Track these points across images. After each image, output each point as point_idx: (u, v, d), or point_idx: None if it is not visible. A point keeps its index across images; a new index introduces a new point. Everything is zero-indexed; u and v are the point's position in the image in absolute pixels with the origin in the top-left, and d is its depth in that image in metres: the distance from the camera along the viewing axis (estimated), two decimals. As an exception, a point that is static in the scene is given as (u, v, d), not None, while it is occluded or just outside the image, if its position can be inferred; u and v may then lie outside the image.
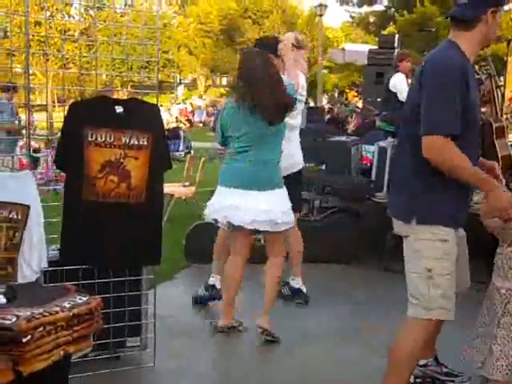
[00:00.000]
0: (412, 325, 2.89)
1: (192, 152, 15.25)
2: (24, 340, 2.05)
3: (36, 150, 10.51)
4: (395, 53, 8.80)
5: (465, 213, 2.92)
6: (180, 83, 43.32)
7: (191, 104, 32.47)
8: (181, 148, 16.47)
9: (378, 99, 8.97)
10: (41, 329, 2.10)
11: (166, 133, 3.79)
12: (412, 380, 3.45)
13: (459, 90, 2.66)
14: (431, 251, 2.78)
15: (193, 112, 31.08)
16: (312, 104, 25.04)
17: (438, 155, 2.66)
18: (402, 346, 2.92)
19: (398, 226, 2.93)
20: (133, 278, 3.57)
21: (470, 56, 2.80)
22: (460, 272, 2.93)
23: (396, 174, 2.99)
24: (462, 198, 2.87)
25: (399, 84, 7.68)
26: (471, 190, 2.94)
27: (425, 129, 2.68)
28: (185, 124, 26.95)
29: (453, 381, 3.47)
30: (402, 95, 7.45)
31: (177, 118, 27.62)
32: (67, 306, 2.27)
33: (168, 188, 7.43)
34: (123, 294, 3.52)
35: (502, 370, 2.82)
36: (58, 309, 2.23)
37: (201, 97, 37.57)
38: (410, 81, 7.61)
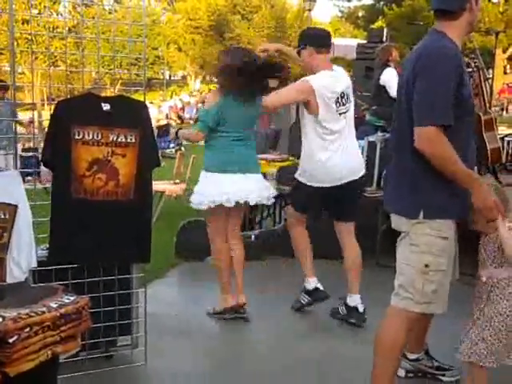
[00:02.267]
0: (396, 315, 2.90)
1: (183, 149, 15.23)
2: (10, 341, 2.03)
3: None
4: (381, 47, 8.75)
5: (467, 202, 2.92)
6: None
7: (181, 100, 32.39)
8: (171, 145, 16.45)
9: (368, 93, 8.94)
10: (27, 329, 2.09)
11: (157, 130, 3.77)
12: (403, 374, 3.47)
13: (454, 81, 2.66)
14: (430, 247, 2.78)
15: (183, 109, 31.02)
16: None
17: (429, 146, 2.64)
18: (386, 337, 2.93)
19: (399, 222, 2.90)
20: (123, 276, 3.56)
21: (459, 44, 2.81)
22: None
23: (396, 169, 2.95)
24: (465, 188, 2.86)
25: (391, 79, 7.65)
26: None
27: (418, 119, 2.67)
28: (175, 121, 26.89)
29: (443, 374, 3.48)
30: (392, 90, 7.44)
31: (167, 114, 27.57)
32: (54, 305, 2.26)
33: (158, 185, 7.43)
34: (113, 292, 3.51)
35: (479, 353, 2.92)
36: (44, 309, 2.21)
37: (191, 93, 37.48)
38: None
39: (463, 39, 2.91)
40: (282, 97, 4.35)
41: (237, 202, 4.28)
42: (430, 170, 2.72)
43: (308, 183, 4.37)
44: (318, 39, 4.37)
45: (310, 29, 4.73)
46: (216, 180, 4.29)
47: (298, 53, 4.43)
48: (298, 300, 4.70)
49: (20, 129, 8.36)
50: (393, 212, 2.95)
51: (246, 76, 4.16)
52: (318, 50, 4.31)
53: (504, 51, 26.06)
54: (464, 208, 2.87)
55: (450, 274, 2.87)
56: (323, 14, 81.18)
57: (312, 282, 4.66)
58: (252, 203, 4.40)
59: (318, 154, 4.29)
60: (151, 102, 25.52)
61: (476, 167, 4.79)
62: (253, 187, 4.36)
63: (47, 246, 3.38)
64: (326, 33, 4.52)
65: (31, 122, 9.32)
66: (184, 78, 49.10)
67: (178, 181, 8.37)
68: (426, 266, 2.77)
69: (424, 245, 2.78)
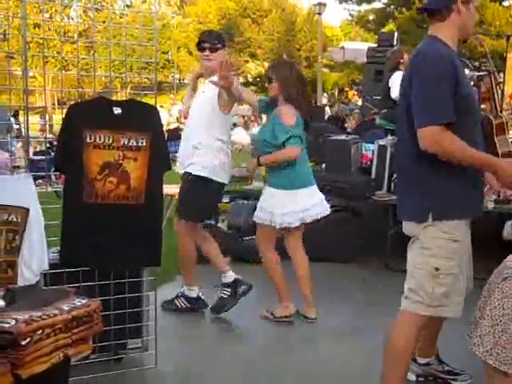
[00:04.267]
0: (406, 318, 2.89)
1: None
2: (23, 343, 2.05)
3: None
4: (392, 50, 8.77)
5: (479, 201, 2.93)
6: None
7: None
8: (181, 148, 16.43)
9: (378, 97, 8.95)
10: (40, 332, 2.10)
11: (167, 133, 3.79)
12: (414, 378, 3.46)
13: (449, 80, 2.67)
14: (441, 250, 2.77)
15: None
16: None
17: (436, 145, 2.65)
18: (397, 340, 2.92)
19: (410, 228, 2.90)
20: (133, 279, 3.57)
21: (453, 46, 2.83)
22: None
23: (401, 174, 2.98)
24: (475, 186, 2.86)
25: (395, 81, 7.68)
26: (482, 179, 2.93)
27: (419, 121, 2.68)
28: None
29: (455, 379, 3.47)
30: (394, 91, 7.49)
31: (177, 118, 27.60)
32: (66, 308, 2.27)
33: (168, 189, 7.43)
34: (124, 295, 3.52)
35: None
36: (56, 312, 2.23)
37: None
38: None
39: (456, 40, 2.87)
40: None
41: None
42: (433, 170, 2.74)
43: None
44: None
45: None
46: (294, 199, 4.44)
47: (212, 49, 4.49)
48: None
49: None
50: (403, 218, 2.95)
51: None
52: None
53: (515, 55, 25.95)
54: (474, 207, 2.87)
55: (462, 277, 2.85)
56: (333, 18, 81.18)
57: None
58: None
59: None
60: (161, 106, 25.56)
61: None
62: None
63: (58, 249, 3.39)
64: None
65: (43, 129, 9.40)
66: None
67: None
68: (437, 269, 2.76)
69: (435, 248, 2.77)
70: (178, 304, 4.66)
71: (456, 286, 2.82)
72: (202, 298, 4.68)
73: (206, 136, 4.43)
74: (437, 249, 2.78)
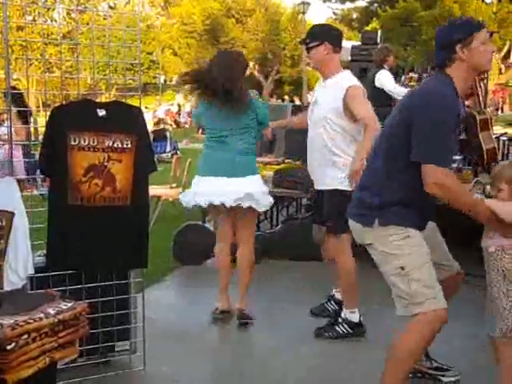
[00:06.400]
0: (414, 323, 2.86)
1: (179, 153, 15.21)
2: (8, 348, 2.03)
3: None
4: (380, 47, 8.81)
5: (426, 221, 2.99)
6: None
7: (178, 105, 32.39)
8: (167, 149, 16.45)
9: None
10: (25, 336, 2.09)
11: (152, 134, 3.78)
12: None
13: (453, 125, 2.75)
14: (398, 250, 2.83)
15: (179, 113, 31.03)
16: (298, 102, 25.07)
17: (444, 188, 2.69)
18: (406, 344, 2.87)
19: (359, 234, 2.98)
20: (121, 281, 3.55)
21: (460, 89, 2.84)
22: (440, 255, 3.05)
23: (366, 181, 3.02)
24: (426, 211, 2.95)
25: (386, 80, 7.73)
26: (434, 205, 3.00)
27: (431, 158, 2.69)
28: (171, 125, 26.91)
29: (443, 375, 3.48)
30: (391, 90, 7.55)
31: (163, 119, 27.57)
32: (52, 312, 2.26)
33: (155, 190, 7.42)
34: (111, 298, 3.51)
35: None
36: (42, 315, 2.21)
37: (186, 97, 37.44)
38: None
39: (470, 79, 2.94)
40: (370, 109, 4.01)
41: (211, 204, 4.33)
42: (393, 189, 2.83)
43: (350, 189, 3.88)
44: (337, 37, 4.11)
45: (327, 25, 4.53)
46: (195, 182, 4.44)
47: (308, 49, 4.10)
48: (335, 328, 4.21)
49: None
50: (353, 220, 3.00)
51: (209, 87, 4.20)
52: (335, 49, 4.05)
53: (498, 51, 26.12)
54: (422, 224, 2.94)
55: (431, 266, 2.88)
56: (317, 17, 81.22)
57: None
58: (227, 205, 4.26)
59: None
60: (146, 107, 25.53)
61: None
62: (229, 189, 4.24)
63: (44, 252, 3.37)
64: (341, 32, 4.30)
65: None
66: (179, 82, 49.08)
67: (174, 185, 8.36)
68: (402, 268, 2.82)
69: (392, 250, 2.85)
70: (340, 330, 4.17)
71: (431, 276, 2.85)
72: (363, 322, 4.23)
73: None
74: (393, 250, 2.84)
